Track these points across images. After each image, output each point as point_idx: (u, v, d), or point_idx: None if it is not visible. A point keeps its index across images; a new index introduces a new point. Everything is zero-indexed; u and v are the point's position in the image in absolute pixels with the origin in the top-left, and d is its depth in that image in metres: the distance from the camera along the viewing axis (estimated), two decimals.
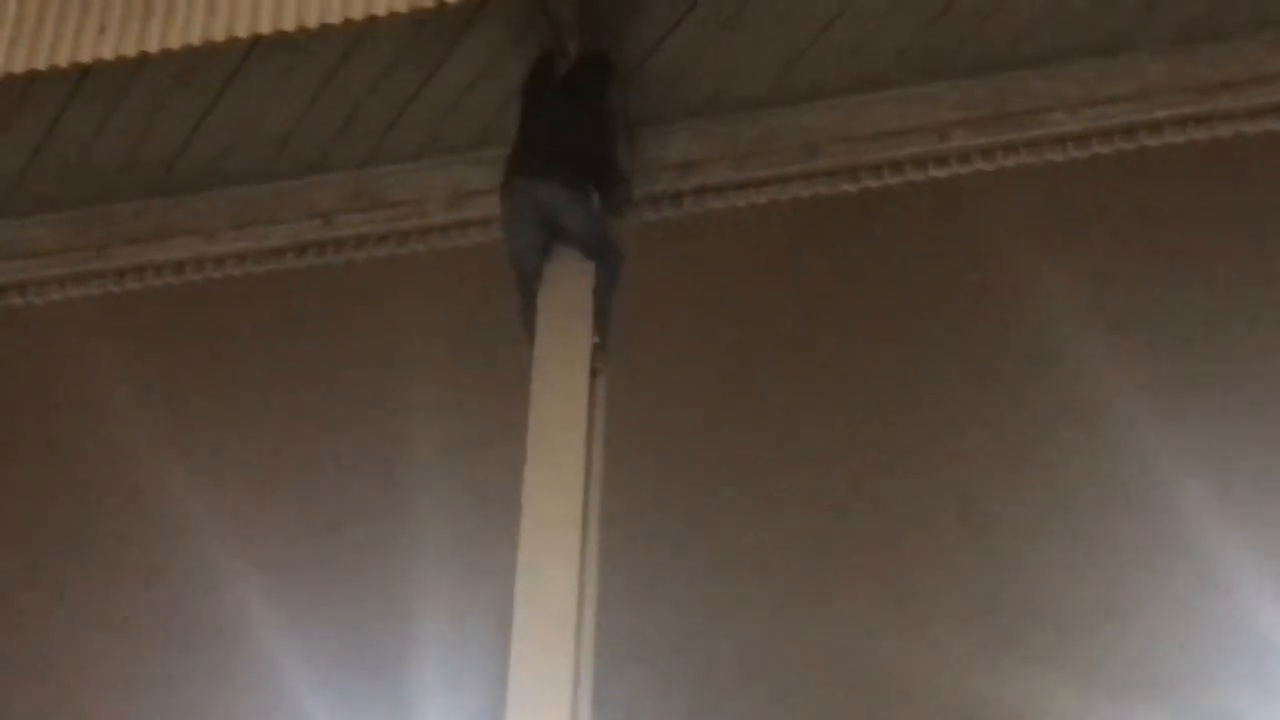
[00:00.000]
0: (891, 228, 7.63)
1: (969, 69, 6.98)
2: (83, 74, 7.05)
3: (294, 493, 8.72)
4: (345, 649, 9.20)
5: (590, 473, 6.40)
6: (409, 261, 7.54)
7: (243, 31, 6.64)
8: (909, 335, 8.03)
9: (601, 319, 6.64)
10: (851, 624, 8.83)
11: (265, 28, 6.62)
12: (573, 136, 6.76)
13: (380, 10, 6.55)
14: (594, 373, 6.56)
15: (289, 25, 6.61)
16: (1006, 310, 7.91)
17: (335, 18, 6.59)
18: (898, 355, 8.15)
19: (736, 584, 8.80)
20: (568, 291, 6.77)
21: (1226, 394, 7.95)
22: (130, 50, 6.67)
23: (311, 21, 6.60)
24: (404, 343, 8.12)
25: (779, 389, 8.23)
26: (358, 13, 6.57)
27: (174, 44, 6.65)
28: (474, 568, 8.40)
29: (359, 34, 6.97)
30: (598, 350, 6.60)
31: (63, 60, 6.71)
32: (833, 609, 8.82)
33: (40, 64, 6.73)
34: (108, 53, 6.69)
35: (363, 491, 8.69)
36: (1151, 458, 8.06)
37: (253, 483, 8.75)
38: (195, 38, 6.66)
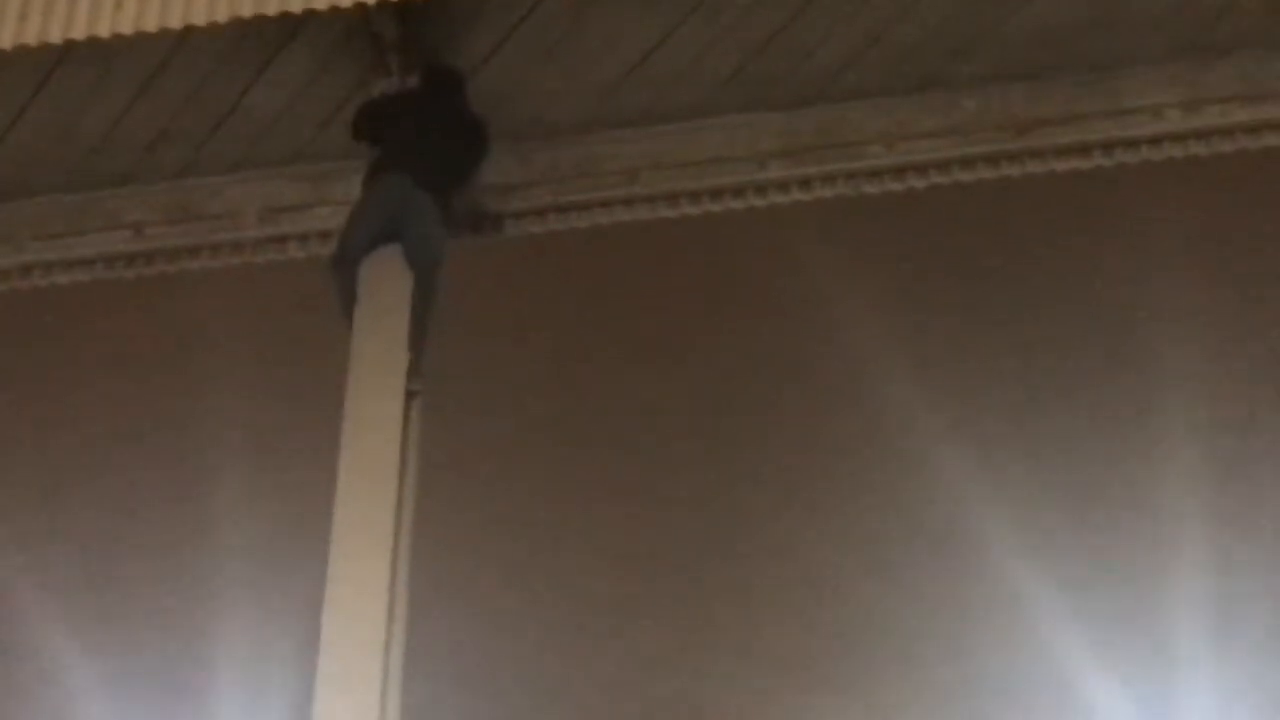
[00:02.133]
0: (711, 255, 7.67)
1: (789, 101, 7.06)
2: None
3: (89, 512, 8.54)
4: (140, 684, 9.04)
5: (403, 496, 6.34)
6: (221, 275, 7.43)
7: (55, 37, 6.51)
8: (723, 360, 8.08)
9: (417, 338, 6.59)
10: (660, 655, 8.87)
11: (79, 33, 6.49)
12: (439, 145, 6.76)
13: (199, 20, 6.46)
14: (409, 394, 6.50)
15: (103, 32, 6.49)
16: (821, 338, 8.00)
17: (152, 26, 6.47)
18: (710, 379, 8.20)
19: (548, 609, 8.79)
20: (385, 307, 6.71)
21: (1036, 423, 8.11)
22: None
23: (127, 29, 6.48)
24: (214, 358, 7.99)
25: (594, 414, 8.24)
26: (175, 21, 6.47)
27: None
28: (282, 587, 8.29)
29: (176, 44, 6.87)
30: (413, 371, 6.55)
31: None
32: (643, 639, 8.85)
33: None
34: None
35: (163, 511, 8.54)
36: (965, 499, 8.19)
37: (41, 500, 8.56)
38: (5, 42, 6.50)
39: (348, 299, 6.69)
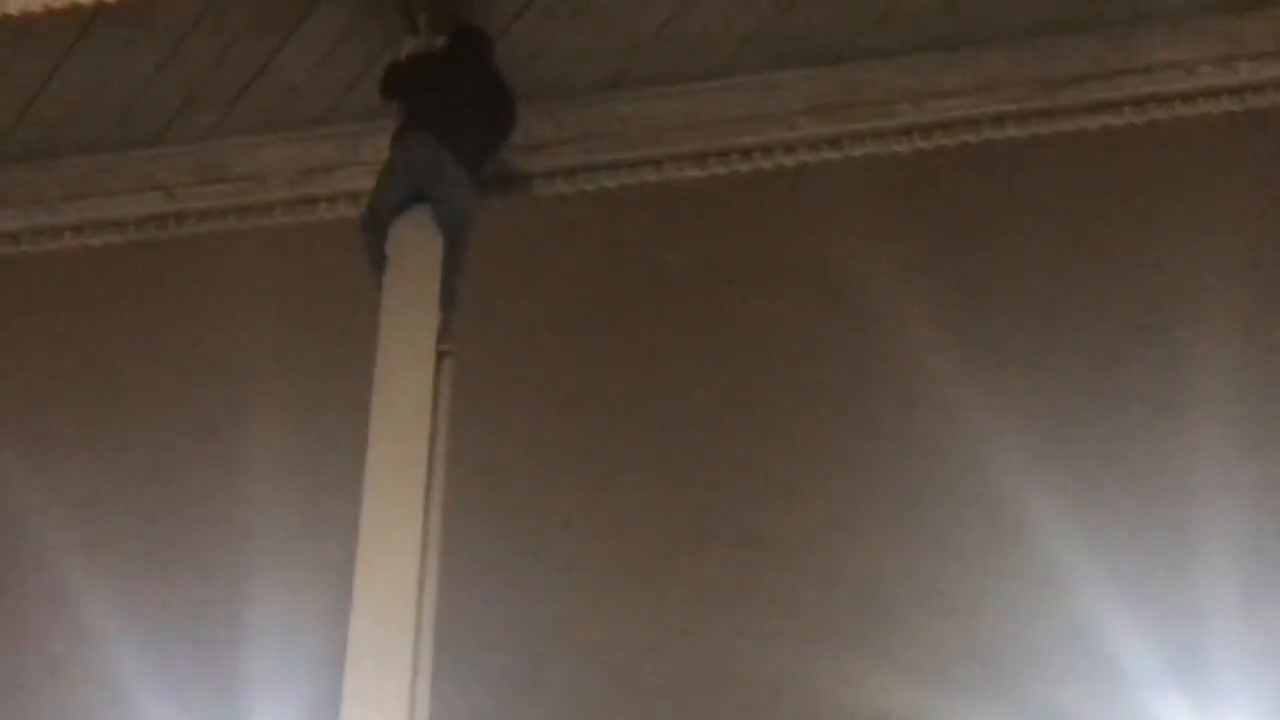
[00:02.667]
0: (740, 214, 7.66)
1: (817, 59, 7.03)
2: None
3: (125, 473, 8.58)
4: (179, 635, 9.08)
5: (434, 457, 6.36)
6: (251, 236, 7.45)
7: None
8: (752, 318, 8.06)
9: (448, 299, 6.60)
10: (692, 616, 8.87)
11: None
12: (467, 105, 6.75)
13: None
14: (440, 355, 6.51)
15: None
16: (851, 296, 7.98)
17: None
18: (742, 341, 8.19)
19: (580, 572, 8.80)
20: (415, 268, 6.71)
21: (1066, 390, 8.08)
22: None
23: None
24: (244, 319, 8.02)
25: (624, 374, 8.24)
26: None
27: (12, 9, 6.52)
28: (312, 552, 8.33)
29: (206, 4, 6.89)
30: (444, 331, 6.56)
31: None
32: (674, 600, 8.86)
33: None
34: None
35: (198, 472, 8.57)
36: (991, 457, 8.16)
37: (81, 462, 8.60)
38: (36, 4, 6.53)
39: (378, 259, 6.70)
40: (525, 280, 7.88)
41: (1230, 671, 8.60)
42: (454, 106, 6.75)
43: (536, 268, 7.86)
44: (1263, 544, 8.45)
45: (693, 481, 8.56)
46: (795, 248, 7.80)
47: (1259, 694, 8.50)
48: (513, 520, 8.73)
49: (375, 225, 6.72)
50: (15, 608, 8.99)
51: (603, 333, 8.11)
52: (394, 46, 7.08)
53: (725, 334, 8.10)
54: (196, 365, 8.27)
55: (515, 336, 8.02)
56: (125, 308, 8.11)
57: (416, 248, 6.72)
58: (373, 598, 6.22)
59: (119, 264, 7.71)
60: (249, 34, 7.07)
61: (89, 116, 7.28)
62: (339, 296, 7.42)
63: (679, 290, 8.01)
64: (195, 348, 8.22)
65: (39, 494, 8.55)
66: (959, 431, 8.17)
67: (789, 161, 7.14)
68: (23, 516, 8.59)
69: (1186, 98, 7.05)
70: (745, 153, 7.15)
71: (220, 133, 7.31)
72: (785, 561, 8.70)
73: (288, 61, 7.14)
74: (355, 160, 7.30)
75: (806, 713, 8.93)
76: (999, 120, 7.09)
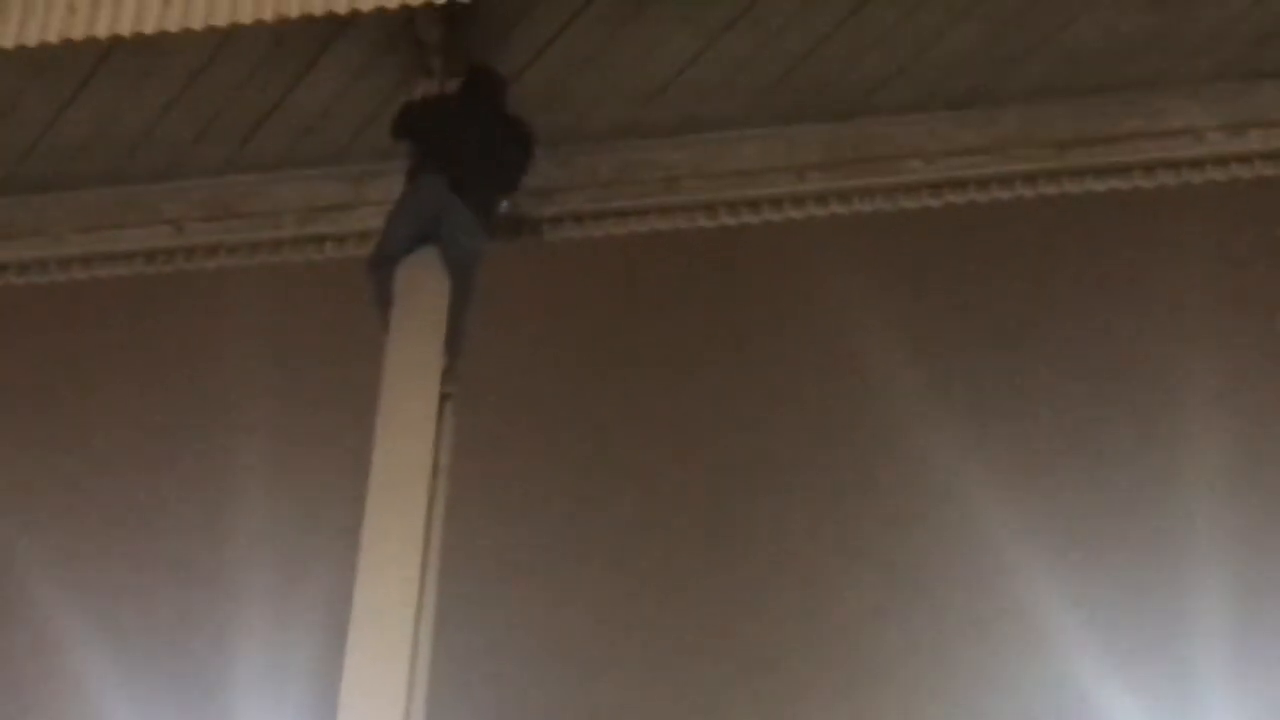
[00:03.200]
0: (748, 266, 7.68)
1: (830, 113, 7.05)
2: None
3: (120, 503, 8.56)
4: (165, 657, 9.05)
5: (435, 499, 6.35)
6: (258, 273, 7.46)
7: (102, 32, 6.52)
8: (756, 369, 8.08)
9: (453, 341, 6.59)
10: (672, 649, 8.86)
11: (125, 29, 6.50)
12: (480, 148, 6.77)
13: (245, 19, 6.47)
14: (443, 398, 6.50)
15: (149, 28, 6.50)
16: (855, 351, 7.99)
17: (198, 24, 6.48)
18: (744, 389, 8.20)
19: (574, 609, 8.80)
20: (421, 309, 6.70)
21: (1068, 438, 8.09)
22: None
23: (173, 26, 6.49)
24: (249, 355, 8.02)
25: (626, 419, 8.24)
26: (221, 20, 6.48)
27: (30, 41, 6.51)
28: (306, 590, 8.31)
29: (221, 42, 6.90)
30: (448, 374, 6.56)
31: None
32: (665, 629, 8.85)
33: None
34: None
35: (197, 505, 8.55)
36: (980, 506, 8.17)
37: (82, 491, 8.59)
38: (53, 35, 6.52)
39: (384, 300, 6.70)
40: (532, 324, 7.89)
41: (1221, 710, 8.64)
42: (466, 149, 6.76)
43: (543, 312, 7.87)
44: (1254, 586, 8.47)
45: (693, 527, 8.56)
46: (801, 300, 7.82)
47: None
48: (510, 560, 8.72)
49: (383, 264, 6.72)
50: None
51: (607, 377, 8.12)
52: (407, 87, 7.10)
53: (729, 383, 8.11)
54: (199, 398, 8.27)
55: (520, 380, 8.03)
56: (131, 340, 8.11)
57: (423, 289, 6.72)
58: (369, 638, 6.20)
59: (126, 296, 7.72)
60: (262, 71, 7.09)
61: (101, 149, 7.29)
62: (344, 335, 7.42)
63: (685, 338, 8.02)
64: (199, 381, 8.22)
65: (40, 522, 8.53)
66: (962, 490, 8.18)
67: (798, 214, 7.16)
68: (30, 542, 8.57)
69: (1196, 163, 7.07)
70: (754, 204, 7.17)
71: (231, 169, 7.32)
72: (780, 589, 8.69)
73: (300, 100, 7.16)
74: (364, 200, 7.30)
75: None
76: (1008, 180, 7.10)
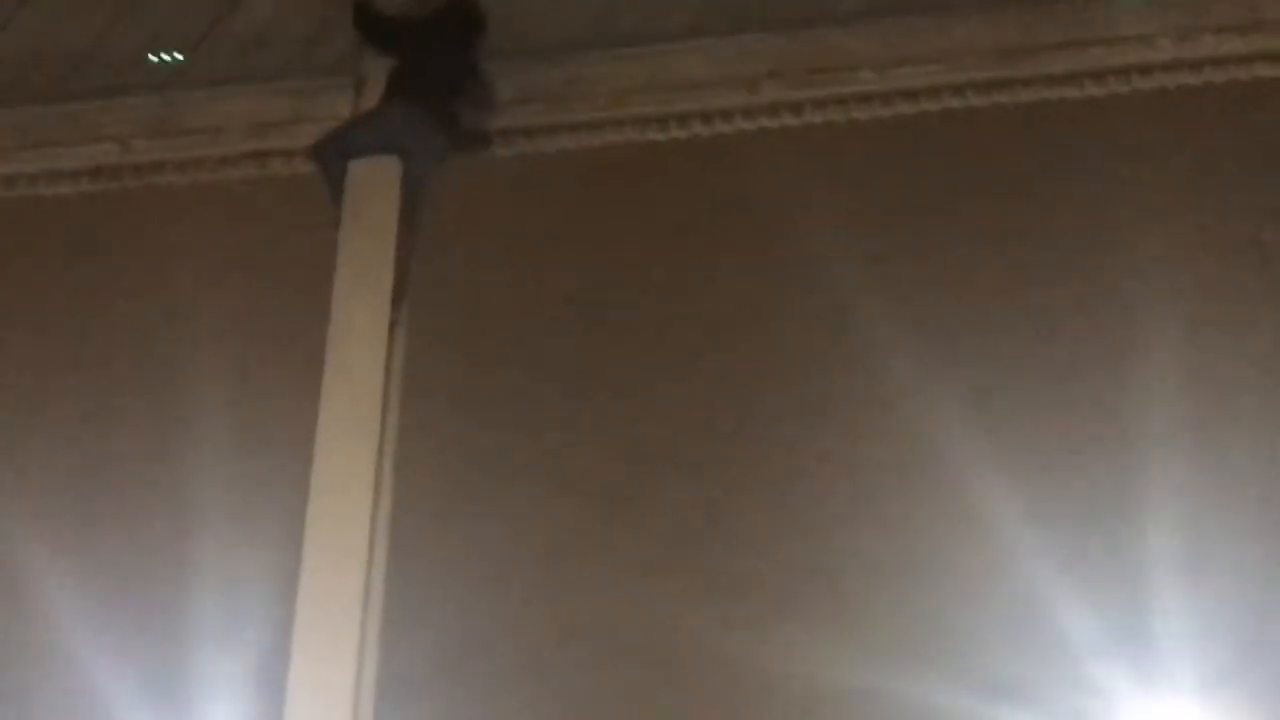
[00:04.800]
0: (699, 178, 7.64)
1: (781, 24, 7.03)
2: None
3: (65, 425, 8.48)
4: (119, 589, 9.00)
5: (386, 421, 6.33)
6: (204, 190, 7.39)
7: None
8: (711, 284, 8.03)
9: (403, 262, 6.55)
10: (645, 586, 8.85)
11: None
12: (451, 75, 6.74)
13: None
14: (393, 324, 6.47)
15: None
16: (810, 263, 7.97)
17: None
18: (698, 304, 8.16)
19: (531, 536, 8.77)
20: (373, 226, 6.65)
21: (1017, 364, 8.09)
22: None
23: None
24: (196, 273, 7.93)
25: (582, 338, 8.20)
26: None
27: None
28: (261, 509, 8.25)
29: None
30: (397, 298, 6.51)
31: None
32: (624, 569, 8.84)
33: None
34: None
35: (143, 426, 8.47)
36: (940, 430, 8.17)
37: (20, 414, 8.50)
38: None
39: (336, 190, 6.64)
40: (482, 238, 7.82)
41: (1174, 644, 8.65)
42: (442, 79, 6.72)
43: (492, 228, 7.80)
44: (1204, 516, 8.51)
45: (651, 449, 8.52)
46: (754, 212, 7.77)
47: (1203, 666, 8.56)
48: (465, 483, 8.68)
49: (333, 157, 6.65)
50: None
51: (559, 295, 8.07)
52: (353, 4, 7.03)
53: (685, 298, 8.07)
54: (146, 318, 8.17)
55: (470, 298, 7.97)
56: (76, 258, 8.01)
57: (376, 202, 6.65)
58: (322, 559, 6.21)
59: (70, 215, 7.62)
60: None
61: (43, 67, 7.22)
62: (292, 252, 7.35)
63: (638, 251, 7.97)
64: (145, 301, 8.12)
65: None
66: (911, 410, 8.16)
67: (749, 126, 7.13)
68: None
69: (1146, 70, 7.06)
70: (705, 117, 7.14)
71: (175, 85, 7.25)
72: (742, 540, 8.69)
73: (245, 15, 7.10)
74: (310, 116, 7.25)
75: (763, 689, 8.94)
76: (960, 89, 7.09)
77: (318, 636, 6.16)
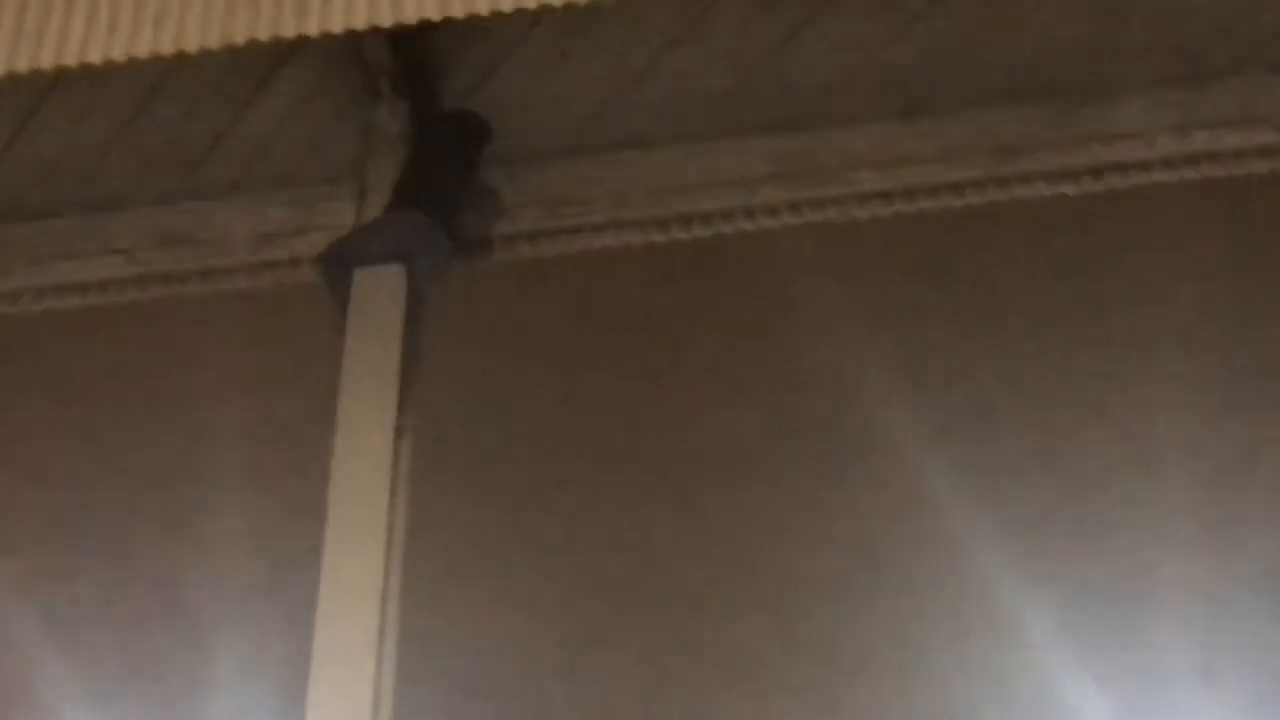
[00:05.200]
0: (701, 280, 7.69)
1: (779, 126, 7.07)
2: None
3: (83, 539, 8.53)
4: (135, 675, 9.03)
5: (394, 527, 6.33)
6: (211, 300, 7.44)
7: (47, 64, 6.50)
8: (714, 386, 8.08)
9: (409, 369, 6.56)
10: (652, 674, 8.87)
11: (70, 60, 6.48)
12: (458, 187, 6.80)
13: (191, 46, 6.45)
14: (399, 430, 6.48)
15: (96, 58, 6.47)
16: (809, 362, 8.01)
17: (143, 52, 6.46)
18: (700, 403, 8.21)
19: (539, 644, 8.80)
20: (378, 333, 6.67)
21: (1025, 444, 8.12)
22: None
23: (118, 55, 6.47)
24: (203, 382, 8.00)
25: (584, 439, 8.24)
26: (168, 47, 6.46)
27: None
28: (270, 611, 8.29)
29: (167, 69, 6.88)
30: (403, 405, 6.53)
31: None
32: (634, 658, 8.85)
33: None
34: None
35: (152, 535, 8.53)
36: (954, 513, 8.20)
37: (33, 527, 8.55)
38: None
39: (342, 297, 6.67)
40: (482, 345, 7.88)
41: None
42: (446, 186, 6.78)
43: (494, 333, 7.86)
44: (1223, 602, 8.51)
45: (661, 544, 8.56)
46: (757, 312, 7.83)
47: None
48: (474, 583, 8.71)
49: (340, 267, 6.69)
50: None
51: (561, 397, 8.12)
52: (357, 111, 7.10)
53: (687, 397, 8.11)
54: (155, 428, 8.24)
55: (475, 399, 8.02)
56: (85, 371, 8.08)
57: (381, 309, 6.68)
58: (331, 662, 6.18)
59: (79, 328, 7.68)
60: (210, 98, 7.08)
61: (50, 181, 7.26)
62: (299, 359, 7.41)
63: (641, 352, 8.02)
64: (154, 411, 8.19)
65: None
66: (920, 493, 8.20)
67: (750, 227, 7.16)
68: None
69: (1145, 166, 7.09)
70: (706, 218, 7.17)
71: (181, 197, 7.30)
72: (749, 620, 8.70)
73: (249, 125, 7.15)
74: (315, 224, 7.28)
75: None
76: (958, 187, 7.12)
77: None
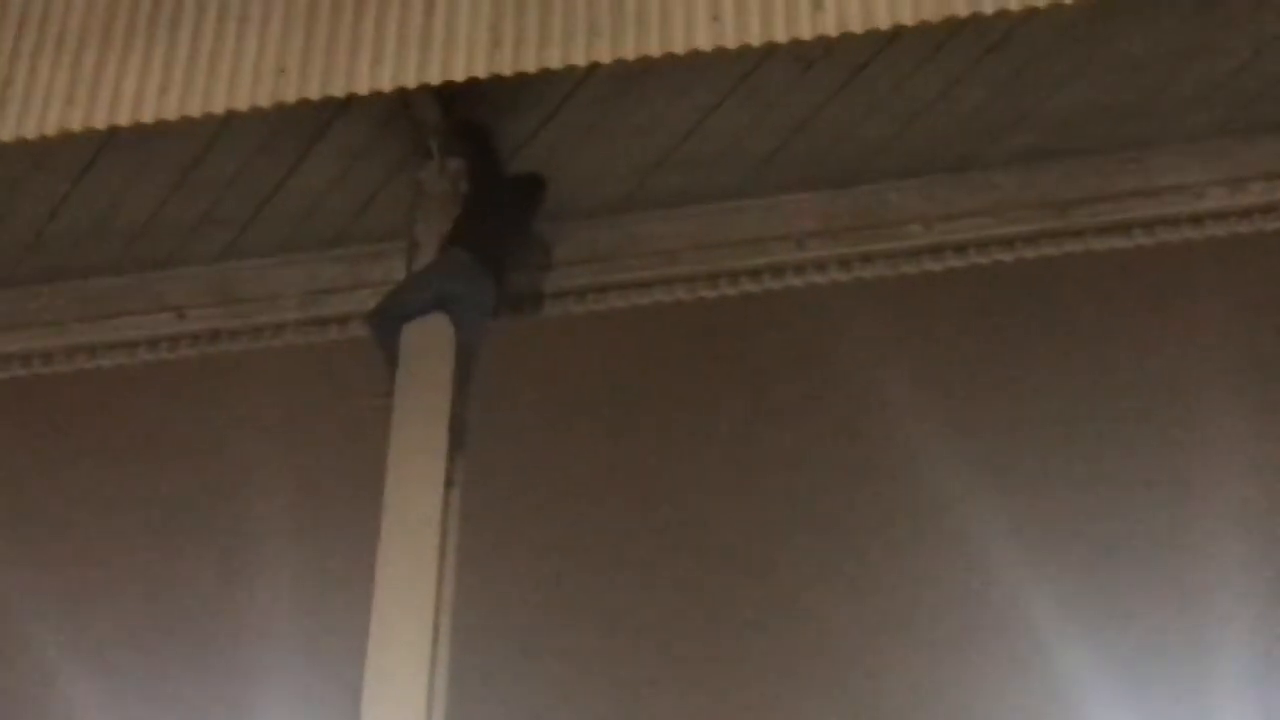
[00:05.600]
0: (751, 335, 7.69)
1: (827, 181, 7.07)
2: None
3: (130, 596, 8.56)
4: None
5: (443, 583, 6.33)
6: (262, 357, 7.47)
7: (100, 123, 6.55)
8: (763, 442, 8.07)
9: (457, 423, 6.57)
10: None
11: (123, 119, 6.53)
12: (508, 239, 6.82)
13: (242, 105, 6.49)
14: (448, 484, 6.48)
15: (147, 117, 6.52)
16: (861, 416, 7.99)
17: (195, 111, 6.51)
18: (751, 463, 8.19)
19: (588, 691, 8.78)
20: (426, 385, 6.66)
21: (1069, 501, 8.08)
22: None
23: (170, 114, 6.51)
24: (253, 440, 8.03)
25: (632, 495, 8.23)
26: (219, 107, 6.51)
27: (29, 133, 6.54)
28: (320, 672, 8.29)
29: (219, 129, 6.93)
30: (452, 458, 6.52)
31: None
32: (683, 709, 8.83)
33: None
34: None
35: (204, 593, 8.55)
36: (996, 568, 8.16)
37: (87, 583, 8.58)
38: (51, 128, 6.55)
39: (390, 356, 6.68)
40: (534, 401, 7.89)
41: None
42: (495, 236, 6.80)
43: (544, 389, 7.87)
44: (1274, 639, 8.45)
45: (708, 591, 8.54)
46: (805, 367, 7.82)
47: None
48: (523, 635, 8.71)
49: (389, 322, 6.70)
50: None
51: (612, 454, 8.12)
52: (406, 169, 7.13)
53: (734, 453, 8.10)
54: (205, 485, 8.27)
55: (525, 456, 8.02)
56: (137, 427, 8.12)
57: (430, 361, 6.67)
58: (383, 701, 6.17)
59: (131, 385, 7.73)
60: (261, 157, 7.12)
61: (102, 239, 7.32)
62: (349, 416, 7.43)
63: (691, 408, 8.02)
64: (205, 468, 8.23)
65: (46, 617, 8.53)
66: (974, 550, 8.16)
67: (799, 282, 7.16)
68: (29, 636, 8.57)
69: (1196, 219, 7.07)
70: (755, 274, 7.17)
71: (232, 255, 7.35)
72: (785, 673, 8.66)
73: (299, 184, 7.19)
74: (365, 281, 7.33)
75: None
76: (1009, 242, 7.11)
77: None
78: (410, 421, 6.64)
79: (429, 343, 6.65)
